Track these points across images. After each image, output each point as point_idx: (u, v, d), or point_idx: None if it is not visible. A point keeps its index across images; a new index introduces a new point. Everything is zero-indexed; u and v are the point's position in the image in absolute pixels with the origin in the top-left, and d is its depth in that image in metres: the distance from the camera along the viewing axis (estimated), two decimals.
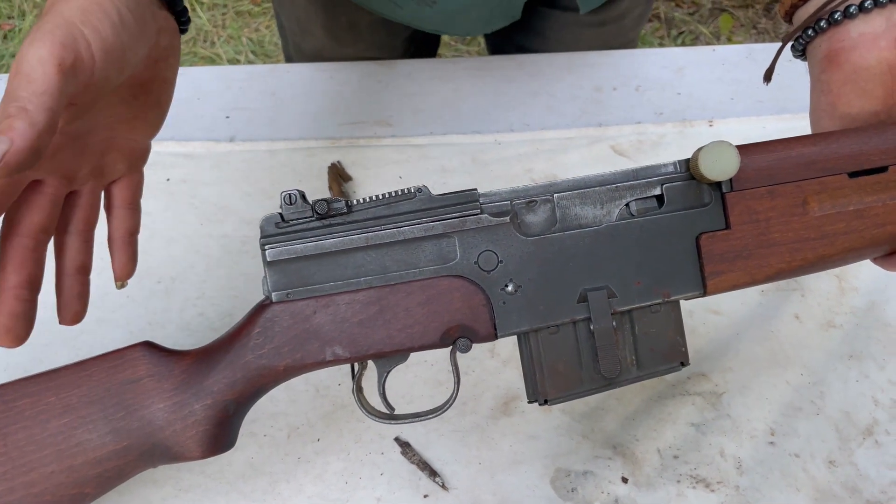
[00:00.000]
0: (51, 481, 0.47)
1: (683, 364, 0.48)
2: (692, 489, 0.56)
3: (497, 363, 0.62)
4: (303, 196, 0.46)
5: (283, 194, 0.46)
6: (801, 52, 0.53)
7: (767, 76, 0.57)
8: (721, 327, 0.64)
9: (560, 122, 0.81)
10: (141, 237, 0.71)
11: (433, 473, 0.56)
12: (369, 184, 0.75)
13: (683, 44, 2.04)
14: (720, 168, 0.44)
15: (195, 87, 0.83)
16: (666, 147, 0.78)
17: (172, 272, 0.68)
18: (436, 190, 0.72)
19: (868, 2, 0.47)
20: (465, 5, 0.76)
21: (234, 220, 0.72)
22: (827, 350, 0.63)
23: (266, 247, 0.46)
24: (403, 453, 0.57)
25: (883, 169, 0.46)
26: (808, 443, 0.58)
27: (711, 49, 0.89)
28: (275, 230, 0.46)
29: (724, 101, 0.83)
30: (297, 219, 0.46)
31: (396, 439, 0.58)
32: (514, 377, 0.62)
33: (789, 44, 0.53)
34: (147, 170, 0.75)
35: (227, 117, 0.81)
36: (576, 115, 0.82)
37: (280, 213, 0.46)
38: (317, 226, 0.46)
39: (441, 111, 0.82)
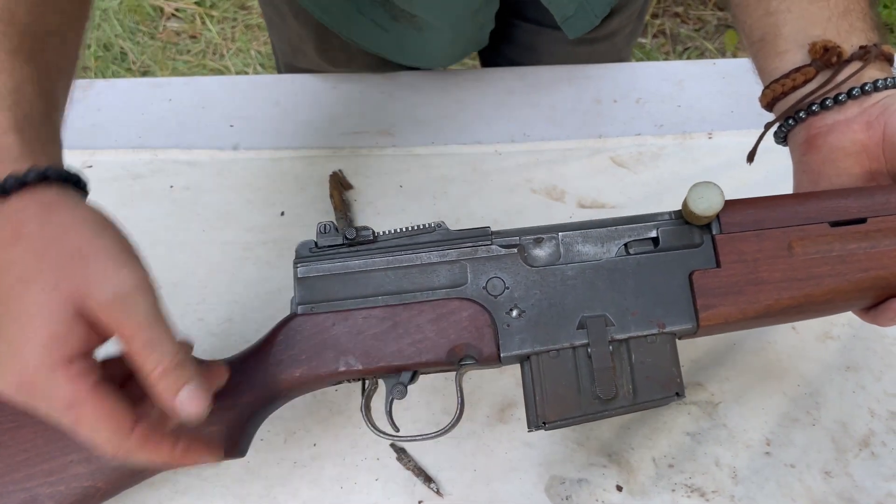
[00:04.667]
0: (68, 471, 0.48)
1: (678, 395, 0.49)
2: (687, 498, 0.56)
3: (494, 371, 0.63)
4: (335, 227, 0.52)
5: (319, 225, 0.51)
6: (782, 139, 0.57)
7: (750, 158, 0.60)
8: (718, 338, 0.64)
9: (560, 134, 0.81)
10: (144, 243, 0.71)
11: (428, 480, 0.57)
12: (370, 192, 0.76)
13: (689, 59, 2.05)
14: (706, 203, 0.48)
15: (200, 96, 0.84)
16: (666, 159, 0.78)
17: (174, 278, 0.69)
18: (436, 200, 0.73)
19: (842, 95, 0.52)
20: (451, 27, 0.78)
21: (236, 227, 0.73)
22: (824, 361, 0.63)
23: (298, 265, 0.51)
24: (399, 459, 0.58)
25: (862, 220, 0.49)
26: (804, 453, 0.58)
27: (712, 63, 0.90)
28: (308, 254, 0.51)
29: (724, 113, 0.83)
30: (329, 245, 0.51)
31: (392, 445, 0.59)
32: (510, 385, 0.62)
33: (772, 130, 0.57)
34: (151, 177, 0.77)
35: (231, 126, 0.82)
36: (576, 126, 0.82)
37: (315, 241, 0.52)
38: (345, 251, 0.51)
39: (442, 121, 0.83)
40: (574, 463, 0.57)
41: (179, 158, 0.78)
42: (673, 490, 0.56)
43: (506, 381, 0.62)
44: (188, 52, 2.05)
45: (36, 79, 0.41)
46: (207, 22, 2.11)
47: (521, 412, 0.60)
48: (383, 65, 0.86)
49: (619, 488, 0.56)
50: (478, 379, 0.62)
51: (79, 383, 0.37)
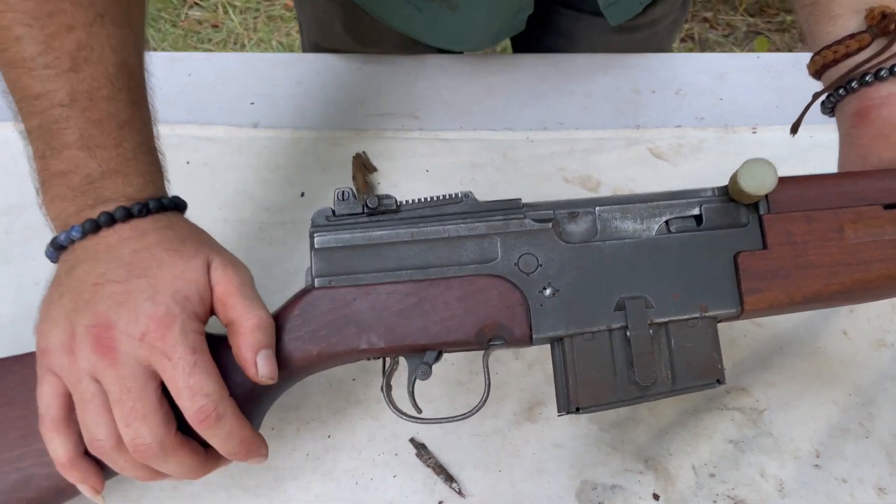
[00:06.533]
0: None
1: (719, 382, 0.46)
2: None
3: (521, 366, 0.59)
4: (354, 194, 0.48)
5: (337, 191, 0.47)
6: (830, 110, 0.54)
7: (794, 129, 0.58)
8: (763, 340, 0.60)
9: (595, 123, 0.78)
10: None
11: (449, 478, 0.53)
12: (395, 176, 0.72)
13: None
14: (758, 182, 0.45)
15: (220, 72, 0.81)
16: (707, 152, 0.74)
17: None
18: (464, 186, 0.69)
19: None
20: (487, 8, 0.74)
21: (253, 206, 0.70)
22: (877, 370, 0.59)
23: (315, 234, 0.47)
24: (418, 455, 0.54)
25: None
26: (856, 467, 0.54)
27: (756, 56, 0.86)
28: (324, 222, 0.47)
29: (768, 108, 0.79)
30: (347, 214, 0.47)
31: (412, 440, 0.55)
32: (539, 381, 0.58)
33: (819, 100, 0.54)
34: (167, 152, 0.73)
35: (252, 103, 0.79)
36: (612, 116, 0.78)
37: (332, 209, 0.47)
38: (365, 221, 0.47)
39: (471, 106, 0.79)
40: (608, 468, 0.53)
41: (197, 134, 0.75)
42: (714, 501, 0.52)
43: (535, 378, 0.58)
44: (209, 40, 2.03)
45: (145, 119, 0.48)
46: (230, 11, 2.09)
47: (550, 411, 0.57)
48: (412, 46, 0.82)
49: (656, 497, 0.52)
50: (505, 374, 0.58)
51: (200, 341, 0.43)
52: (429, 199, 0.48)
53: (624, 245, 0.46)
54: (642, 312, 0.45)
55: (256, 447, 0.44)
